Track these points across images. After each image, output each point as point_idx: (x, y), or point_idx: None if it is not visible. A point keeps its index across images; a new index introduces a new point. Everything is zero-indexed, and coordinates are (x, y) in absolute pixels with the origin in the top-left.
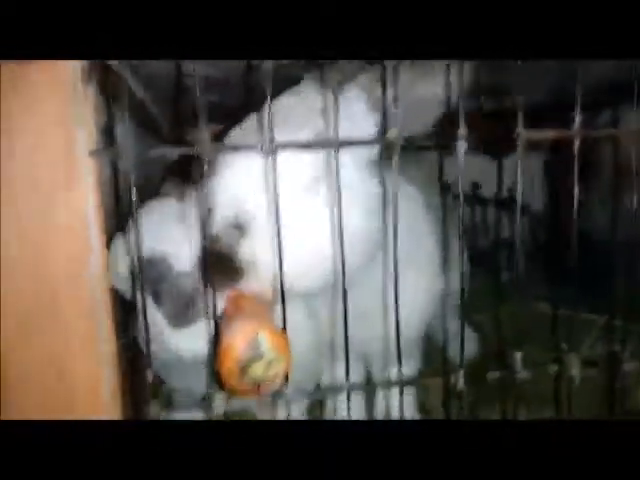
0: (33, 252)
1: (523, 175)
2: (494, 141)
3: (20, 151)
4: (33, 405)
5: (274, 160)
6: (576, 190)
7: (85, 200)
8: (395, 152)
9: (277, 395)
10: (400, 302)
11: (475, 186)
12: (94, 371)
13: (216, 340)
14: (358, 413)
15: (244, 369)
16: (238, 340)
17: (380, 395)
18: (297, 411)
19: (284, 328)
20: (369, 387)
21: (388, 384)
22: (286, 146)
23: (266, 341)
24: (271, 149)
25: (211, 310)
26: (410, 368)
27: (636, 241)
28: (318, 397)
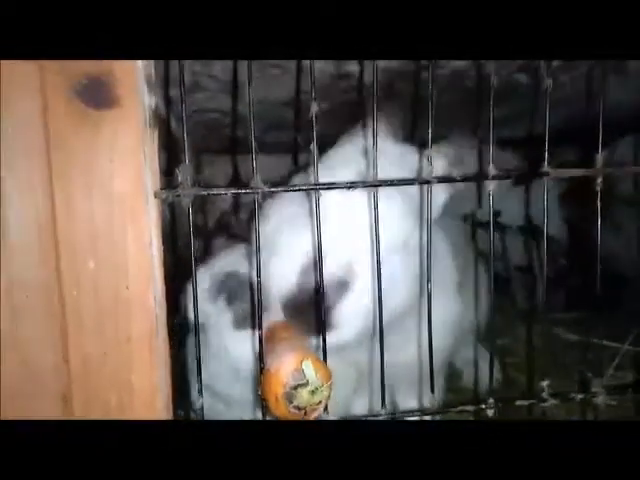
0: (104, 279)
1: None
2: (521, 178)
3: (92, 190)
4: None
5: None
6: (599, 223)
7: (149, 235)
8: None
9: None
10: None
11: (496, 214)
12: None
13: (261, 368)
14: None
15: (290, 395)
16: (285, 367)
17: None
18: None
19: (324, 357)
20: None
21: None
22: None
23: (311, 369)
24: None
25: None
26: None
27: None
28: None
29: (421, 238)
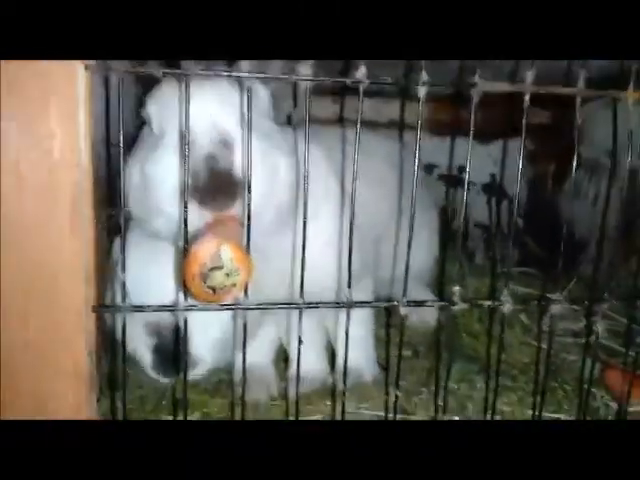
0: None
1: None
2: (454, 91)
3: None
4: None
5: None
6: (523, 137)
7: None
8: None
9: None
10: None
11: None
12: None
13: (185, 249)
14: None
15: (205, 276)
16: (203, 250)
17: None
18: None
19: (247, 246)
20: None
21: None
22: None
23: (228, 254)
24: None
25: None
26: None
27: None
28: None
29: None
